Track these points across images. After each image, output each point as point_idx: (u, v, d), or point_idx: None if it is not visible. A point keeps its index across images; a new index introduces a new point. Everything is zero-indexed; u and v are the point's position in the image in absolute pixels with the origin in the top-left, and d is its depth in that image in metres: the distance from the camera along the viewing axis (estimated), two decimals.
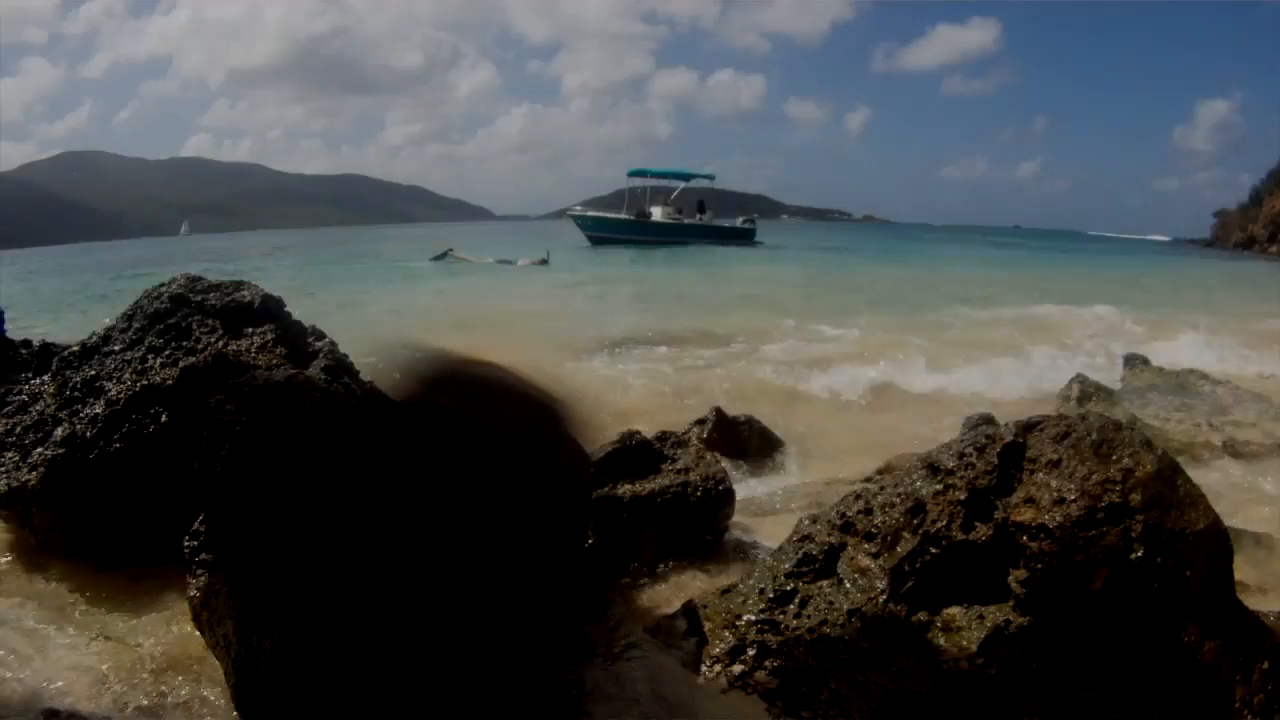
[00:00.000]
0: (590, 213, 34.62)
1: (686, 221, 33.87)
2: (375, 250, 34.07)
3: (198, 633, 2.08)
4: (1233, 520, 2.58)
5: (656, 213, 33.72)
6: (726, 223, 36.23)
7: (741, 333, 9.42)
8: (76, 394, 3.02)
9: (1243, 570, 2.33)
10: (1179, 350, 8.22)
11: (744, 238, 34.80)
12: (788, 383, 6.88)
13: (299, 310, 3.53)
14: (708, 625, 2.24)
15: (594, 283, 17.90)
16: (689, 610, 2.35)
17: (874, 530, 2.14)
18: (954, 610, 1.95)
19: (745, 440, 4.69)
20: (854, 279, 18.62)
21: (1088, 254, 40.18)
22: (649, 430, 3.47)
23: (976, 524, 1.98)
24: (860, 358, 7.80)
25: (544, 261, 21.59)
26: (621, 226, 32.89)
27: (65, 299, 15.44)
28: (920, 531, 2.03)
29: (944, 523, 2.00)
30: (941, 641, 1.91)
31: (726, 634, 2.19)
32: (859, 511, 2.23)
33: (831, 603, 2.09)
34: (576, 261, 25.05)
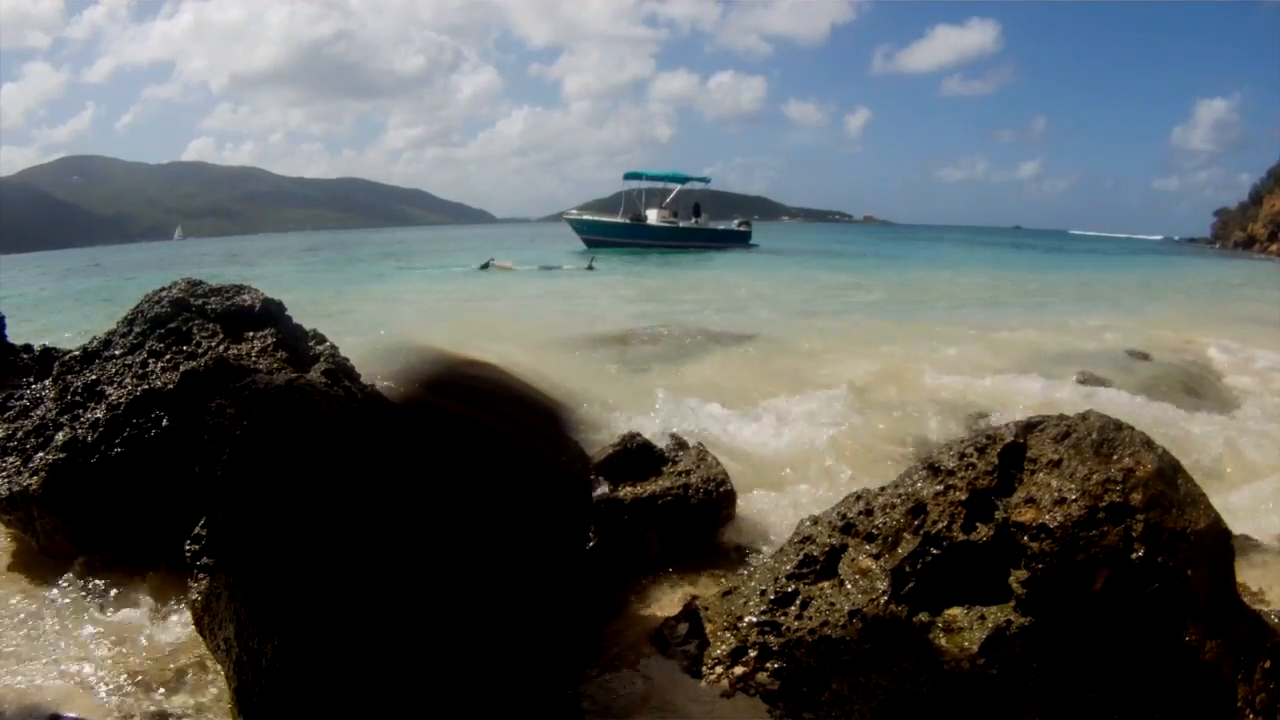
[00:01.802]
0: (585, 216, 34.56)
1: (681, 225, 33.76)
2: (407, 252, 34.33)
3: (199, 636, 2.08)
4: (1235, 525, 2.57)
5: (652, 216, 33.61)
6: (721, 225, 36.13)
7: (742, 335, 9.41)
8: (77, 398, 3.02)
9: (1245, 574, 2.32)
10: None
11: (739, 241, 34.72)
12: (788, 385, 6.86)
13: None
14: (709, 627, 2.24)
15: (591, 286, 17.93)
16: (690, 612, 2.35)
17: (875, 531, 2.14)
18: (955, 611, 1.95)
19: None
20: (860, 286, 18.54)
21: (1094, 256, 40.02)
22: (649, 432, 3.47)
23: (977, 524, 1.98)
24: (863, 362, 7.77)
25: (590, 268, 22.19)
26: (616, 229, 32.82)
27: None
28: (921, 532, 2.03)
29: (945, 523, 2.00)
30: (943, 642, 1.91)
31: (728, 636, 2.19)
32: (860, 513, 2.23)
33: (833, 604, 2.09)
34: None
